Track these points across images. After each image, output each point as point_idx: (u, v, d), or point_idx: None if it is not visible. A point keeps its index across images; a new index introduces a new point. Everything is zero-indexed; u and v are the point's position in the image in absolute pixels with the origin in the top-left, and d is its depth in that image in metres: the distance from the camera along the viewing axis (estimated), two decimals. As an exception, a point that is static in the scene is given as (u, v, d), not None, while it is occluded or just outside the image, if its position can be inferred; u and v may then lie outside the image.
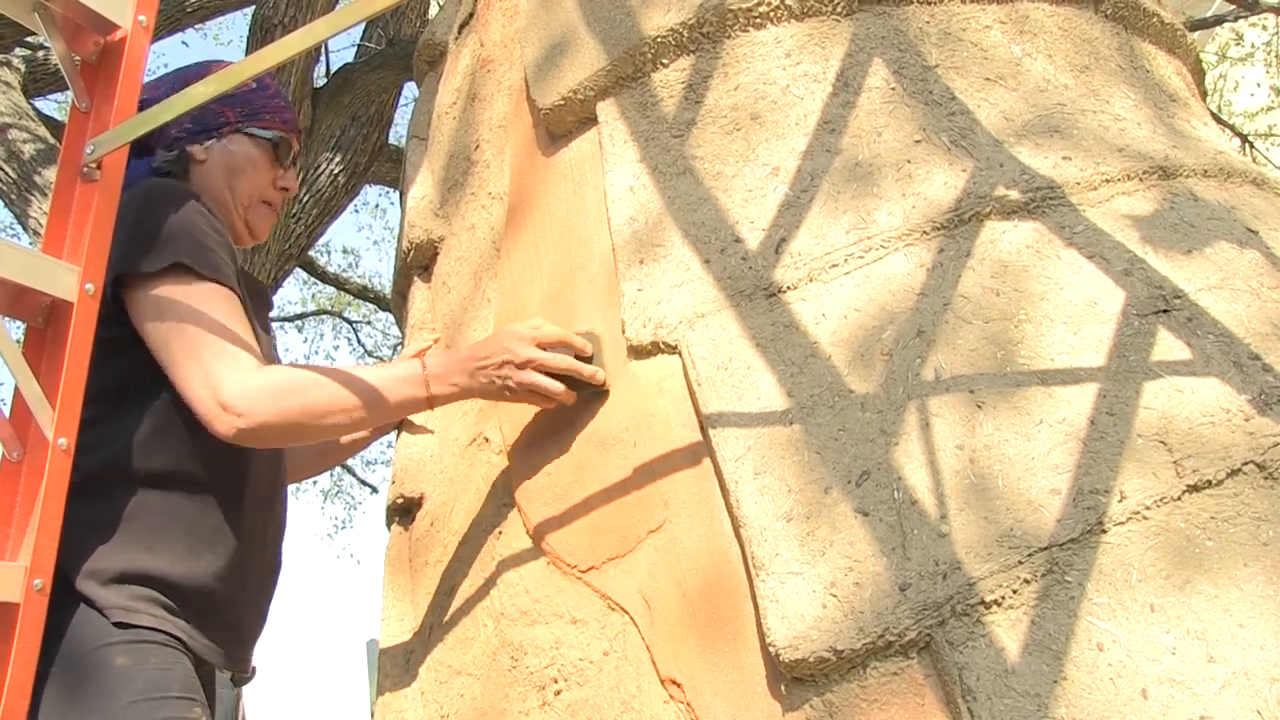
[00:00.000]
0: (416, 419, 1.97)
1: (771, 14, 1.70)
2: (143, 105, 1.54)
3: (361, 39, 6.60)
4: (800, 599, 1.25)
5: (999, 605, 1.19)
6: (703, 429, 1.45)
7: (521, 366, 1.55)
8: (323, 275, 10.11)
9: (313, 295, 12.62)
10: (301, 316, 12.66)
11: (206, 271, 1.54)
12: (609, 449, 1.55)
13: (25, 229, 5.15)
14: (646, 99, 1.75)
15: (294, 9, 5.24)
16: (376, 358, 12.38)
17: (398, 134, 8.31)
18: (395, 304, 2.34)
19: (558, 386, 1.57)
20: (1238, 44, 9.80)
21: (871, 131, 1.61)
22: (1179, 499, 1.22)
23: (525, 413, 1.71)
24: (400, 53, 5.73)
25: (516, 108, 1.97)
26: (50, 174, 5.06)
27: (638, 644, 1.42)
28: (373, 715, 1.87)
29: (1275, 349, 1.34)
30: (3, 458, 1.39)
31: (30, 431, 1.38)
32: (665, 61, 1.74)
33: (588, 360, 1.59)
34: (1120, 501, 1.22)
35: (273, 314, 1.92)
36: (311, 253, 8.63)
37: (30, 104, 5.62)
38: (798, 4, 1.70)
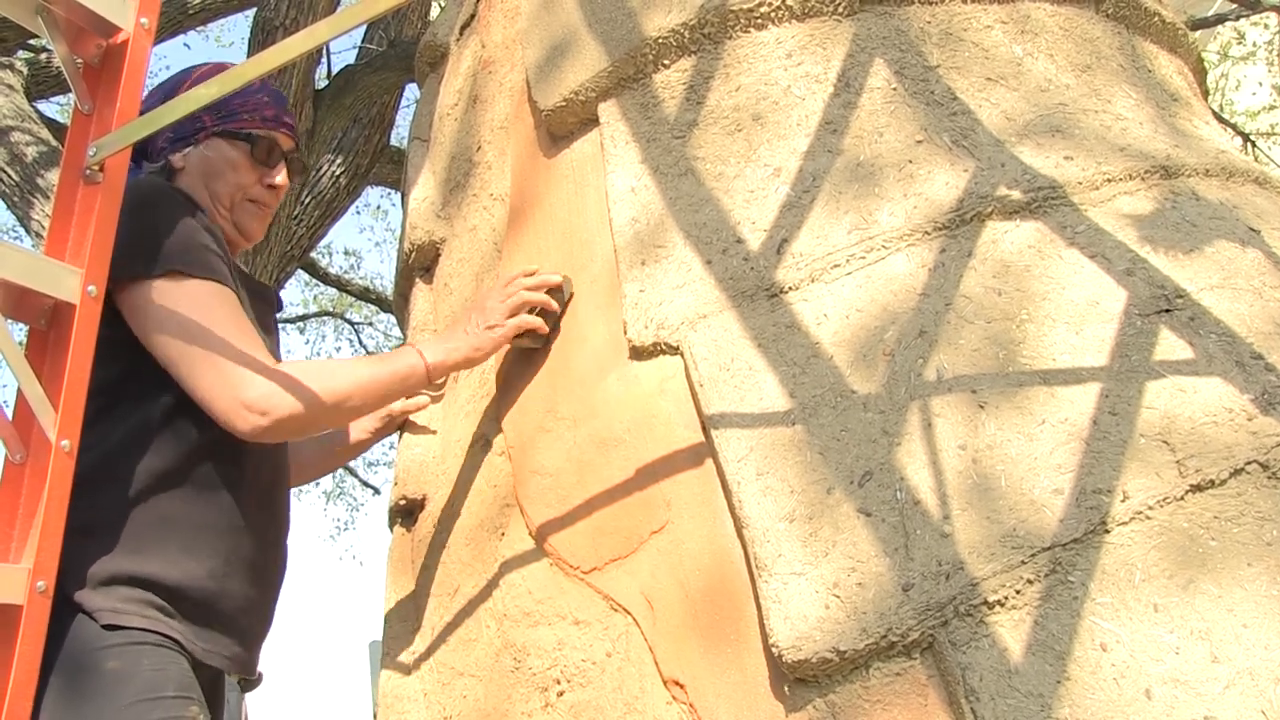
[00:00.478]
0: (419, 419, 1.97)
1: (773, 14, 1.70)
2: (140, 113, 1.54)
3: (363, 41, 6.61)
4: (803, 599, 1.25)
5: (1002, 605, 1.19)
6: (705, 430, 1.45)
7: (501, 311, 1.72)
8: (325, 277, 10.12)
9: (314, 297, 12.64)
10: (303, 318, 12.66)
11: (201, 272, 1.54)
12: (611, 450, 1.55)
13: (28, 231, 5.15)
14: (648, 100, 1.75)
15: (295, 11, 5.25)
16: (378, 359, 12.34)
17: (399, 135, 8.30)
18: (397, 305, 2.34)
19: (535, 320, 1.72)
20: (1239, 43, 9.79)
21: (873, 132, 1.60)
22: (1182, 499, 1.22)
23: (527, 414, 1.71)
24: (402, 54, 5.73)
25: (518, 109, 1.97)
26: (53, 176, 5.06)
27: (640, 645, 1.42)
28: (375, 717, 1.87)
29: (1278, 348, 1.33)
30: (5, 460, 1.39)
31: (33, 433, 1.38)
32: (667, 62, 1.74)
33: (557, 289, 1.74)
34: (1123, 501, 1.22)
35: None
36: (313, 254, 8.64)
37: (33, 106, 5.62)
38: (799, 4, 1.70)
